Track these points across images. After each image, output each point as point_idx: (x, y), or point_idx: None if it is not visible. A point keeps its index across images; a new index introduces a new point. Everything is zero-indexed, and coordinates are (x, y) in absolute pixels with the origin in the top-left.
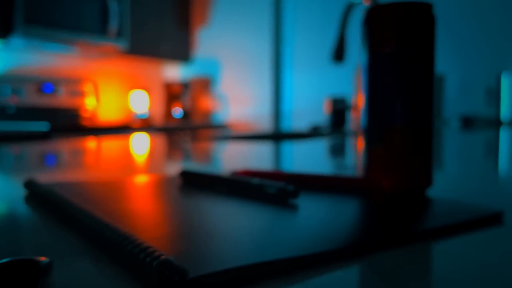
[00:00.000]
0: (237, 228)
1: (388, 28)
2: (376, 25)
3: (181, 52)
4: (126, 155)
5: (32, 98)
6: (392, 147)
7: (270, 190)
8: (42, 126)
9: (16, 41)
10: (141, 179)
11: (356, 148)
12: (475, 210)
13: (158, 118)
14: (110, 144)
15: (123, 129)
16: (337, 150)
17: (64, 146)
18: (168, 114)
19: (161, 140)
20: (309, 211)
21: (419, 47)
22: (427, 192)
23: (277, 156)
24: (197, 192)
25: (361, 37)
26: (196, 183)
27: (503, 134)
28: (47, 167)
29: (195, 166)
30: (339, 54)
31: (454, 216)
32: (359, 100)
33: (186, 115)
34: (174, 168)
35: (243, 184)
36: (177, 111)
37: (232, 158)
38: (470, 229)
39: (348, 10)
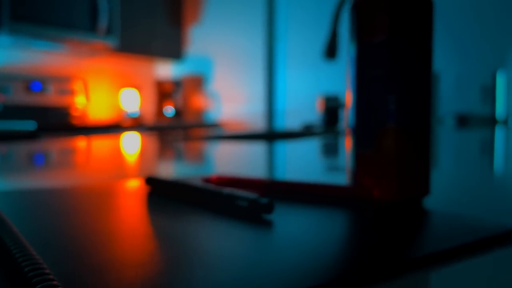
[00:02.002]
0: (190, 256)
1: (380, 14)
2: (366, 10)
3: (173, 49)
4: (113, 155)
5: (20, 97)
6: (384, 151)
7: (241, 202)
8: (29, 125)
9: (2, 38)
10: (107, 185)
11: (348, 148)
12: (482, 227)
13: (150, 117)
14: (98, 143)
15: (113, 128)
16: (329, 151)
17: (49, 146)
18: (159, 112)
19: (151, 139)
20: (285, 230)
21: (415, 34)
22: (423, 203)
23: (266, 158)
24: (160, 204)
25: (349, 26)
26: (162, 192)
27: (499, 133)
28: (24, 169)
29: (182, 167)
30: (331, 51)
31: (458, 235)
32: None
33: (178, 113)
34: (157, 170)
35: (212, 195)
36: (169, 109)
37: (221, 159)
38: (477, 252)
39: (340, 5)
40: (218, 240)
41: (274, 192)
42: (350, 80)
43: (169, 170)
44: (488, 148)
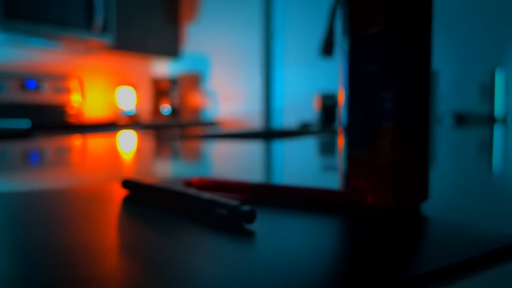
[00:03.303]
0: (151, 273)
1: (375, 2)
2: None
3: (169, 47)
4: (106, 155)
5: (14, 95)
6: (380, 152)
7: (220, 210)
8: (23, 123)
9: None
10: (85, 189)
11: (341, 149)
12: (486, 238)
13: (146, 115)
14: (92, 142)
15: (109, 126)
16: (324, 150)
17: (42, 145)
18: (156, 111)
19: (147, 138)
20: (266, 242)
21: (413, 25)
22: (421, 209)
23: (260, 157)
24: (134, 210)
25: (341, 17)
26: (139, 196)
27: (498, 132)
28: (10, 169)
29: (173, 167)
30: (328, 48)
31: (460, 249)
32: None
33: (175, 112)
34: (148, 170)
35: (190, 200)
36: (165, 108)
37: (215, 159)
38: (481, 269)
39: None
40: (186, 255)
41: (260, 196)
42: (342, 76)
43: (159, 170)
44: (487, 147)
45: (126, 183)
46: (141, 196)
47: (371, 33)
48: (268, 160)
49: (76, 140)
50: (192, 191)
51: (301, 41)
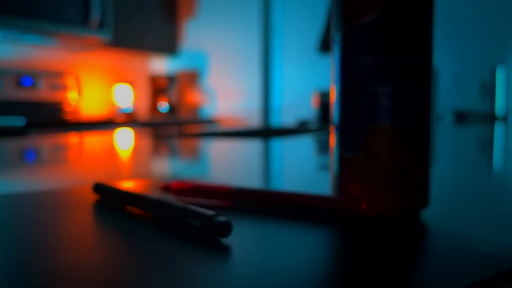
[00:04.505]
0: None
1: None
2: None
3: (167, 44)
4: (100, 153)
5: (10, 92)
6: (375, 154)
7: (193, 221)
8: (18, 121)
9: None
10: (59, 192)
11: (333, 151)
12: (495, 255)
13: (143, 112)
14: (87, 140)
15: (106, 124)
16: (321, 149)
17: (35, 143)
18: (153, 108)
19: (144, 136)
20: (243, 259)
21: (413, 12)
22: (421, 218)
23: (254, 158)
24: (103, 218)
25: (333, 4)
26: (111, 202)
27: (499, 130)
28: None
29: (164, 167)
30: (325, 45)
31: (469, 268)
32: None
33: (173, 109)
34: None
35: (161, 208)
36: (163, 105)
37: (208, 158)
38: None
39: None
40: (146, 275)
41: (244, 203)
42: (334, 70)
43: (150, 169)
44: (489, 146)
45: (97, 188)
46: (112, 202)
47: (366, 21)
48: (263, 160)
49: (71, 138)
50: (165, 198)
51: (300, 39)
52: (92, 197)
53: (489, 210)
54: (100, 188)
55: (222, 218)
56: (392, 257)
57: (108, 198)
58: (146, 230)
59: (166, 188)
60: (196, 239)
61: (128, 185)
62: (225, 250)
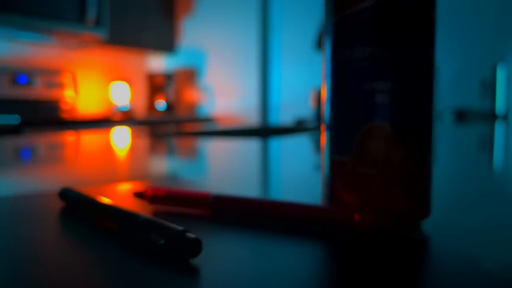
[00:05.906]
0: None
1: None
2: None
3: (165, 42)
4: (94, 153)
5: (5, 90)
6: (369, 158)
7: (158, 238)
8: (13, 119)
9: None
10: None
11: (323, 154)
12: (506, 280)
13: (141, 111)
14: (83, 139)
15: (103, 122)
16: (317, 149)
17: (29, 142)
18: (151, 106)
19: (141, 134)
20: (213, 284)
21: None
22: (421, 230)
23: (249, 157)
24: (63, 228)
25: None
26: (76, 210)
27: (500, 129)
28: None
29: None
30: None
31: None
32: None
33: (170, 107)
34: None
35: (125, 221)
36: (161, 103)
37: (202, 158)
38: None
39: None
40: None
41: (223, 212)
42: (325, 65)
43: (143, 170)
44: (491, 146)
45: (63, 194)
46: (77, 210)
47: (360, 8)
48: (259, 161)
49: (67, 137)
50: (130, 209)
51: (298, 37)
52: (58, 204)
53: (495, 220)
54: (65, 195)
55: (190, 235)
56: (387, 278)
57: (73, 206)
58: (106, 246)
59: (140, 195)
60: (162, 258)
61: (101, 190)
62: (192, 273)
